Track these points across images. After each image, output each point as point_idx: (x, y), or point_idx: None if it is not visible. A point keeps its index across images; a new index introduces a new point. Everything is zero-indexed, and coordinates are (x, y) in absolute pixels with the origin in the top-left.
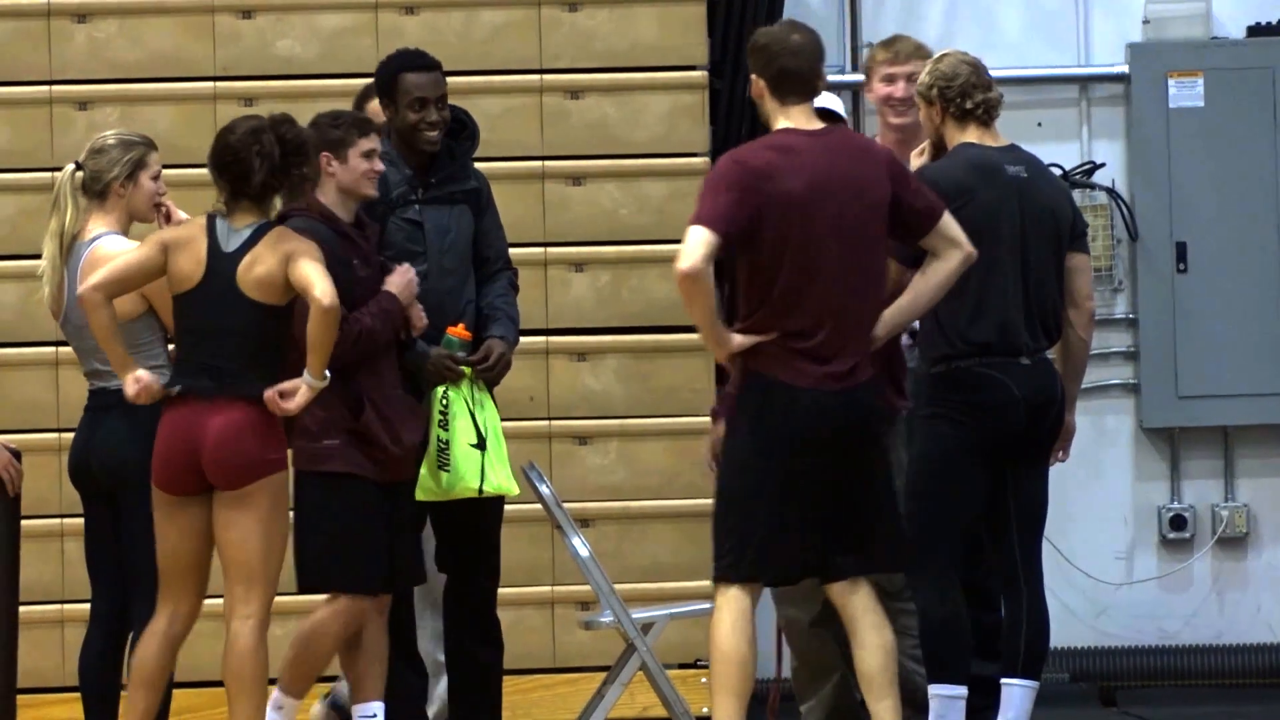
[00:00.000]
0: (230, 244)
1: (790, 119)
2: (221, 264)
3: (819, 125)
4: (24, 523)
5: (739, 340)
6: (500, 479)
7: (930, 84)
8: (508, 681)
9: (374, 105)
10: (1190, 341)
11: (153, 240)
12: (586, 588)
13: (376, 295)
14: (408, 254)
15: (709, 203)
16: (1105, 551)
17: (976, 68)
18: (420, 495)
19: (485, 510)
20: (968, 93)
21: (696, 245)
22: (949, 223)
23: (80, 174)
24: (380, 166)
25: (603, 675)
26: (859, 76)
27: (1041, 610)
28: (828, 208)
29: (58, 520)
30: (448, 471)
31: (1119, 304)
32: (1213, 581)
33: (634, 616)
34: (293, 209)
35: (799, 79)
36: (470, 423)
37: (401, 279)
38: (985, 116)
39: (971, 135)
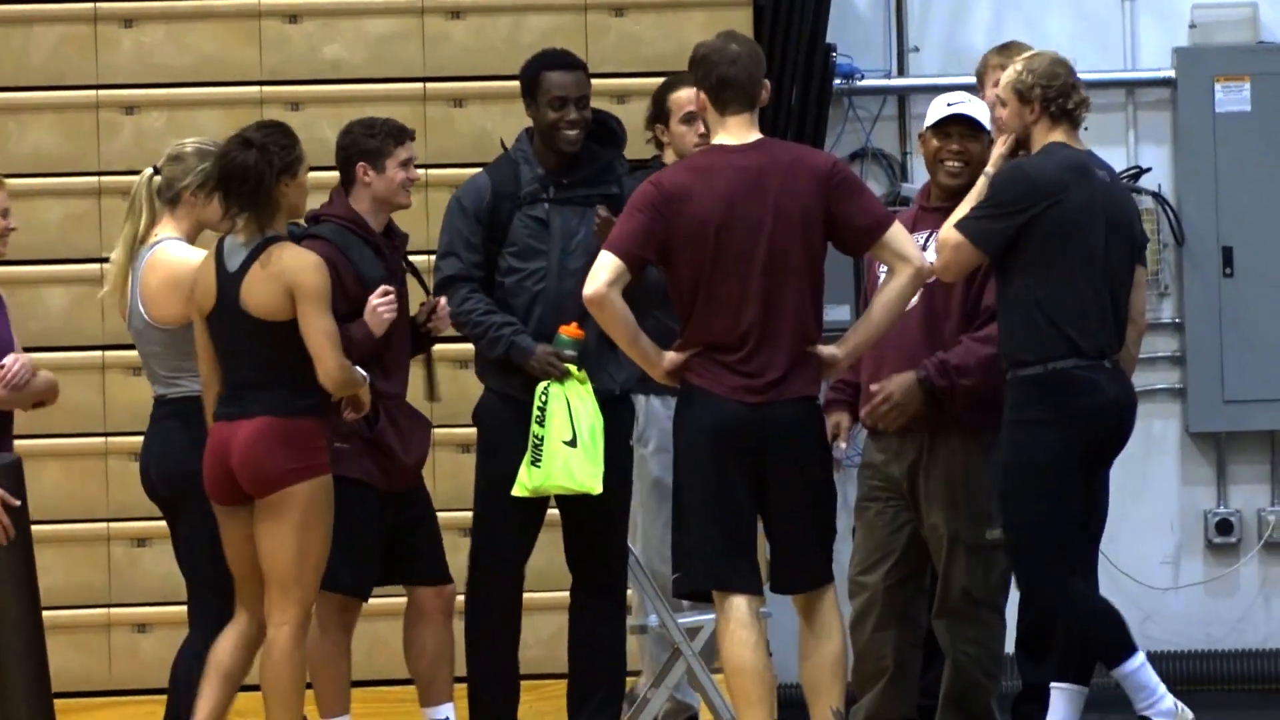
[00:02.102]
0: (233, 262)
1: (727, 130)
2: (227, 285)
3: (755, 137)
4: (73, 527)
5: (669, 359)
6: (585, 477)
7: (1031, 83)
8: (551, 685)
9: (678, 96)
10: (1237, 346)
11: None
12: (630, 592)
13: (352, 325)
14: (531, 250)
15: (620, 226)
16: (1151, 556)
17: (1069, 68)
18: (515, 491)
19: (607, 512)
20: (1068, 93)
21: (599, 270)
22: (897, 236)
23: (157, 178)
24: (416, 174)
25: None
26: (905, 81)
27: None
28: (742, 225)
29: (104, 524)
30: (538, 467)
31: (1165, 309)
32: (1259, 586)
33: (680, 621)
34: (325, 214)
35: (736, 87)
36: (567, 420)
37: (369, 308)
38: (1079, 118)
39: (1060, 136)
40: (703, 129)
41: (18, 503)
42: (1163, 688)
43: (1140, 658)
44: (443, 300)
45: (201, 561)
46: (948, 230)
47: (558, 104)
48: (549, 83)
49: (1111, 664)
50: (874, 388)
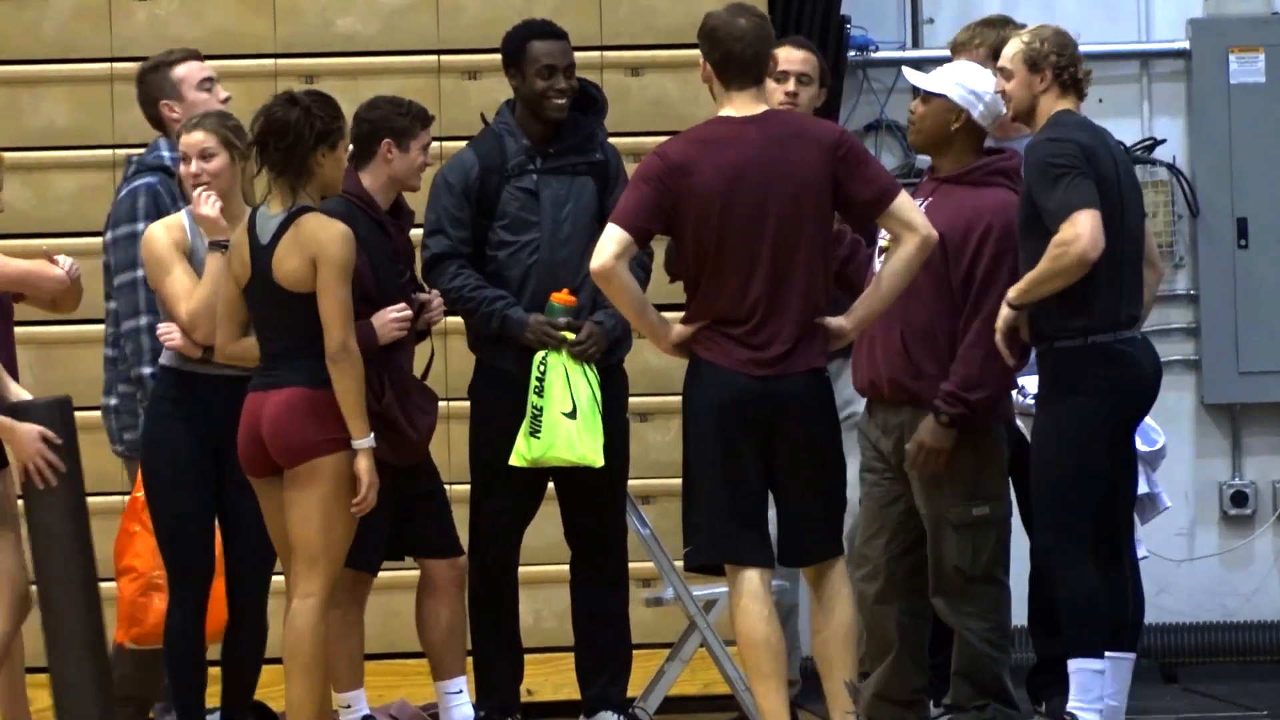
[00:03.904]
0: (265, 235)
1: (732, 104)
2: (260, 258)
3: (760, 109)
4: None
5: (676, 332)
6: (586, 450)
7: (1046, 51)
8: (565, 659)
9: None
10: (1251, 317)
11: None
12: (649, 565)
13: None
14: (522, 223)
15: (626, 199)
16: (1166, 528)
17: (1075, 42)
18: (513, 461)
19: (604, 484)
20: (1077, 63)
21: (606, 244)
22: (904, 205)
23: None
24: (429, 160)
25: (665, 652)
26: (919, 53)
27: (1140, 584)
28: (749, 197)
29: (119, 498)
30: (538, 438)
31: (1180, 280)
32: (1274, 558)
33: (695, 594)
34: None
35: (743, 63)
36: (566, 391)
37: (383, 319)
38: (1084, 91)
39: (1069, 105)
40: (791, 87)
41: (59, 440)
42: (1101, 704)
43: (1101, 665)
44: (435, 299)
45: (163, 538)
46: (1070, 222)
47: (546, 73)
48: (536, 52)
49: (1074, 652)
50: (908, 446)
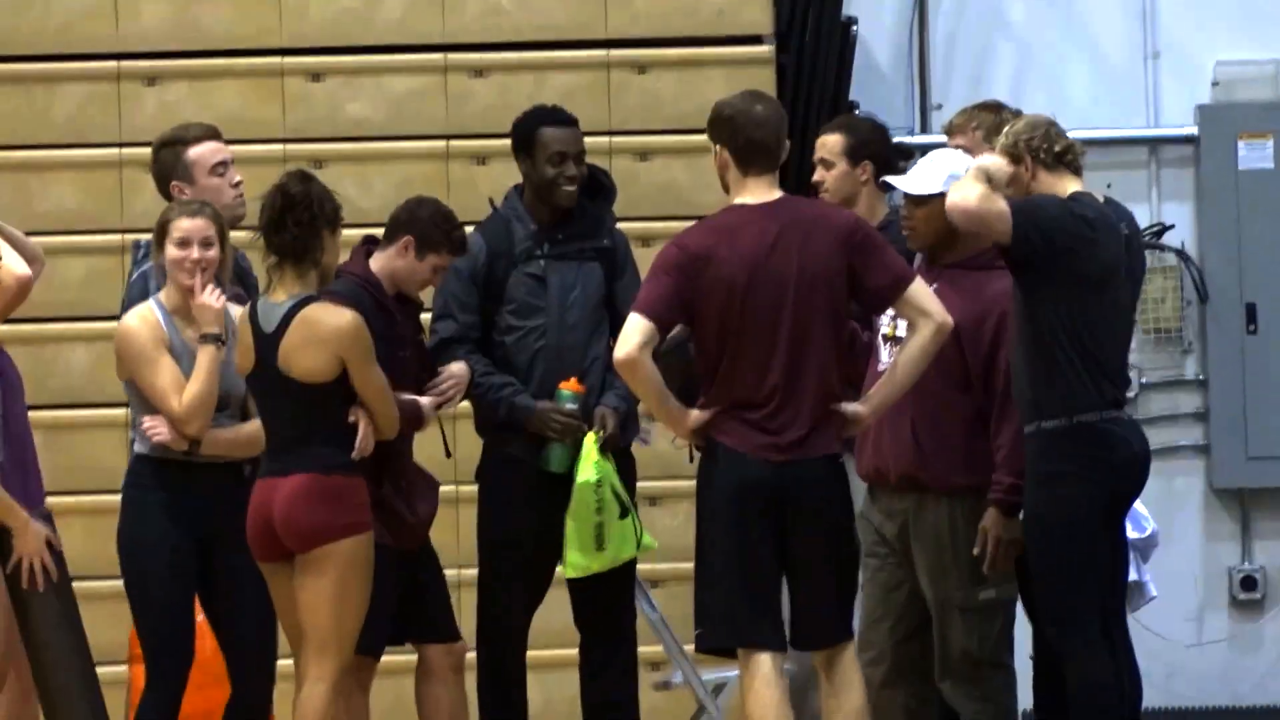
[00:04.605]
0: (268, 324)
1: (748, 191)
2: (265, 349)
3: (776, 196)
4: (93, 584)
5: (693, 418)
6: (640, 540)
7: (1014, 141)
8: None
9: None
10: (1260, 402)
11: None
12: (658, 649)
13: (403, 403)
14: (530, 308)
15: (648, 289)
16: (1175, 613)
17: (1047, 119)
18: (571, 575)
19: (613, 568)
20: (1051, 139)
21: (631, 334)
22: (919, 292)
23: None
24: (434, 282)
25: None
26: (928, 139)
27: (1137, 672)
28: (768, 285)
29: None
30: (604, 551)
31: (1189, 365)
32: None
33: (705, 678)
34: (344, 271)
35: (763, 149)
36: (614, 498)
37: (430, 405)
38: (1076, 164)
39: (1073, 185)
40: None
41: (60, 548)
42: None
43: None
44: (447, 383)
45: (143, 629)
46: (999, 199)
47: (557, 159)
48: (547, 138)
49: None
50: (976, 551)
